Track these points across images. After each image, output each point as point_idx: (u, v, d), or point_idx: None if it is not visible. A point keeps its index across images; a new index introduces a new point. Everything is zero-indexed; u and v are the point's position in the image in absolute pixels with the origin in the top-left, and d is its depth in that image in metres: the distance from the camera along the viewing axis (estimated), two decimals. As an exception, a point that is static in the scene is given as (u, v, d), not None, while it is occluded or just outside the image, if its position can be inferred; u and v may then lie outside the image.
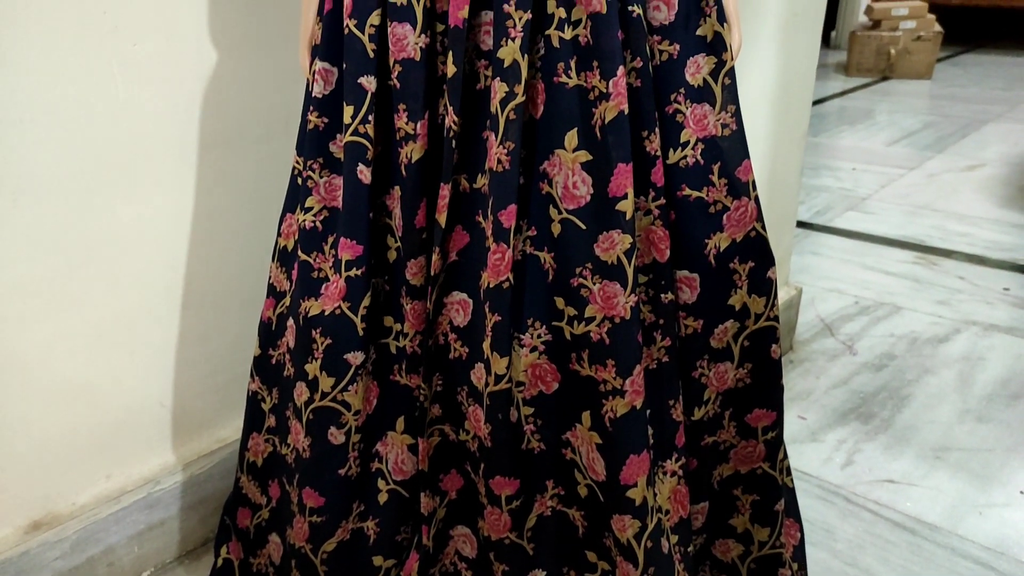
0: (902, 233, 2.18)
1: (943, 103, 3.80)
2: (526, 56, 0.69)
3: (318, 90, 0.79)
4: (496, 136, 0.71)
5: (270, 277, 0.90)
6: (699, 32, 0.76)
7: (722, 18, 0.75)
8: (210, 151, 1.00)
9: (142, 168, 0.94)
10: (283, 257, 0.88)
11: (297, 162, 0.84)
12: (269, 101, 1.04)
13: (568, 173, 0.73)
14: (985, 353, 1.54)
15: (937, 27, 4.39)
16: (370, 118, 0.75)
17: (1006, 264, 1.95)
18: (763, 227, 0.81)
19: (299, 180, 0.84)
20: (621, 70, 0.70)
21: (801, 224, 2.23)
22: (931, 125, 3.37)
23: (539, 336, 0.76)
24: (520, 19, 0.69)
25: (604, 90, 0.70)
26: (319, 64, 0.78)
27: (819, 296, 1.80)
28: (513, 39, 0.69)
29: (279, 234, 0.88)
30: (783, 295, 1.51)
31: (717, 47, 0.76)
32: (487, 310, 0.75)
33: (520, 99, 0.70)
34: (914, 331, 1.63)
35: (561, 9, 0.71)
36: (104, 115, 0.89)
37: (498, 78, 0.70)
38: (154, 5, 0.90)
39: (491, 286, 0.74)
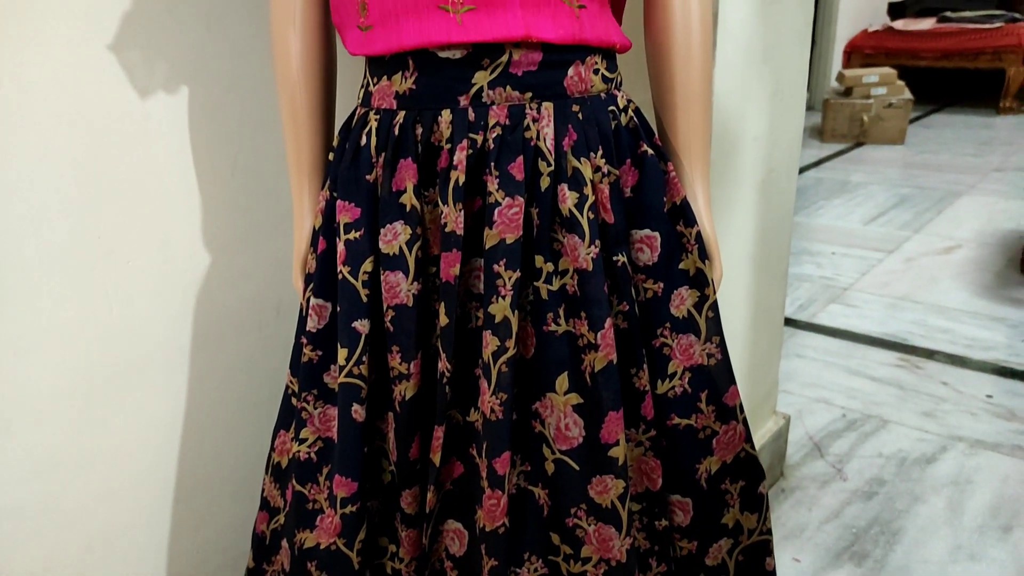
0: (885, 330, 2.21)
1: (917, 172, 3.89)
2: (516, 312, 0.71)
3: (312, 324, 0.80)
4: (488, 385, 0.72)
5: (263, 490, 0.90)
6: (682, 266, 0.78)
7: (703, 255, 0.78)
8: (203, 347, 1.01)
9: (135, 378, 0.95)
10: (277, 472, 0.88)
11: (291, 382, 0.85)
12: (261, 292, 1.05)
13: (560, 415, 0.74)
14: (973, 475, 1.55)
15: (907, 94, 4.52)
16: (364, 359, 0.76)
17: (988, 366, 1.99)
18: (752, 447, 0.82)
19: (293, 401, 0.85)
20: (609, 321, 0.72)
21: (786, 321, 2.26)
22: (906, 199, 3.45)
23: (536, 570, 0.77)
24: (510, 278, 0.70)
25: (593, 340, 0.72)
26: (313, 300, 0.80)
27: (807, 409, 1.82)
28: (503, 296, 0.71)
29: (272, 448, 0.89)
30: (771, 425, 1.52)
31: (700, 282, 0.78)
32: (484, 552, 0.76)
33: (511, 352, 0.71)
34: (902, 450, 1.65)
35: (549, 264, 0.73)
36: (97, 335, 0.90)
37: (490, 331, 0.72)
38: (148, 223, 0.92)
39: (487, 529, 0.75)
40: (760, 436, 1.48)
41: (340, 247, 0.76)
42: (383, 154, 0.74)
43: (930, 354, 2.07)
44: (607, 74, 0.76)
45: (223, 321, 1.02)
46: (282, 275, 1.07)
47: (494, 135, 0.70)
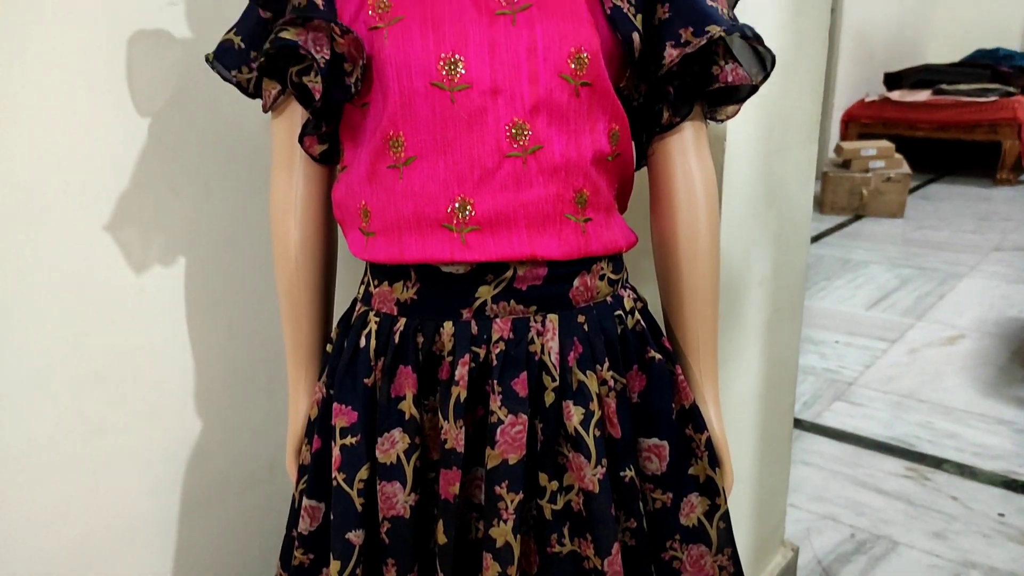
0: (891, 434, 2.17)
1: (917, 251, 3.89)
2: (519, 537, 0.68)
3: (304, 526, 0.77)
4: None
5: None
6: (691, 472, 0.75)
7: (713, 462, 0.75)
8: (193, 511, 0.97)
9: (123, 551, 0.91)
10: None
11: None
12: (253, 450, 1.02)
13: (565, 637, 0.70)
14: (988, 610, 1.50)
15: (906, 168, 4.55)
16: (358, 572, 0.73)
17: (997, 479, 1.94)
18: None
19: None
20: (616, 546, 0.68)
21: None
22: (908, 281, 3.44)
23: None
24: (512, 501, 0.67)
25: (600, 567, 0.68)
26: (306, 500, 0.77)
27: (814, 527, 1.77)
28: (505, 520, 0.68)
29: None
30: (779, 559, 1.47)
31: (710, 490, 0.75)
32: None
33: (513, 577, 0.68)
34: (913, 578, 1.60)
35: (554, 482, 0.70)
36: (82, 512, 0.87)
37: (490, 554, 0.68)
38: (138, 398, 0.89)
39: None
40: (769, 572, 1.43)
41: (335, 452, 0.73)
42: (382, 358, 0.72)
43: (938, 463, 2.03)
44: (613, 276, 0.74)
45: (214, 483, 0.99)
46: (275, 432, 1.04)
47: (497, 350, 0.68)
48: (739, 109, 0.75)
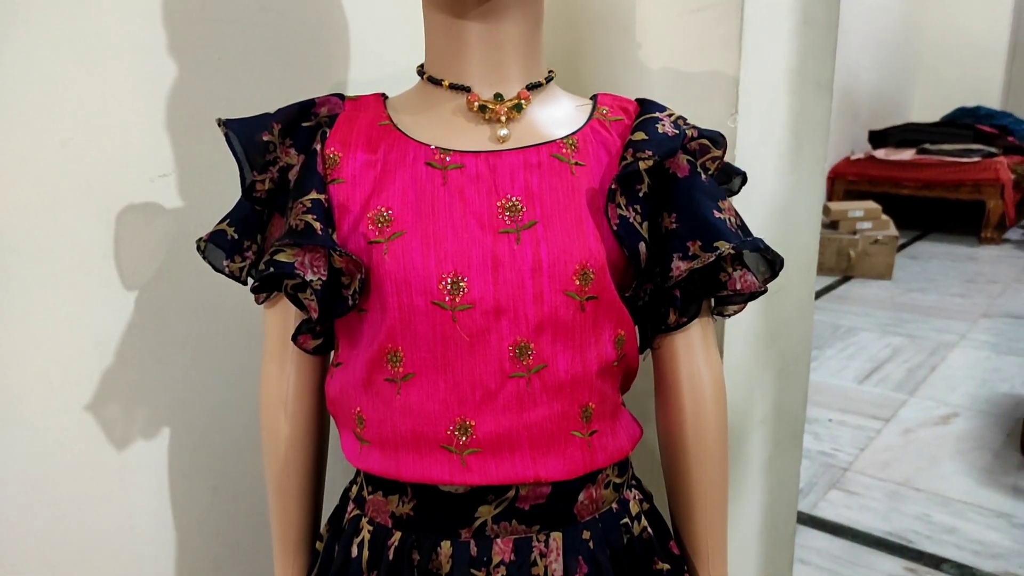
0: (889, 528, 2.14)
1: (906, 316, 3.90)
2: None
3: None
4: None
5: None
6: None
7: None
8: None
9: None
10: None
11: None
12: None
13: None
14: None
15: (893, 229, 4.59)
16: None
17: (998, 582, 1.91)
18: None
19: None
20: None
21: (786, 514, 2.18)
22: (898, 352, 3.43)
23: None
24: None
25: None
26: None
27: (814, 639, 1.73)
28: None
29: None
30: None
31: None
32: None
33: None
34: None
35: None
36: None
37: None
38: (119, 556, 0.85)
39: None
40: None
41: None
42: (375, 572, 0.68)
43: (937, 563, 1.99)
44: (618, 480, 0.71)
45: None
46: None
47: (498, 574, 0.65)
48: (745, 307, 0.73)
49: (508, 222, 0.63)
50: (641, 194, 0.67)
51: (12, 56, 0.71)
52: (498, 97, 0.67)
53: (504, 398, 0.63)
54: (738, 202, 0.74)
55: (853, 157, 5.64)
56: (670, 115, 0.70)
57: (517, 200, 0.63)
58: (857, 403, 2.94)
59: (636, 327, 0.73)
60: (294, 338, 0.71)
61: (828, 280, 4.55)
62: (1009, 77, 6.37)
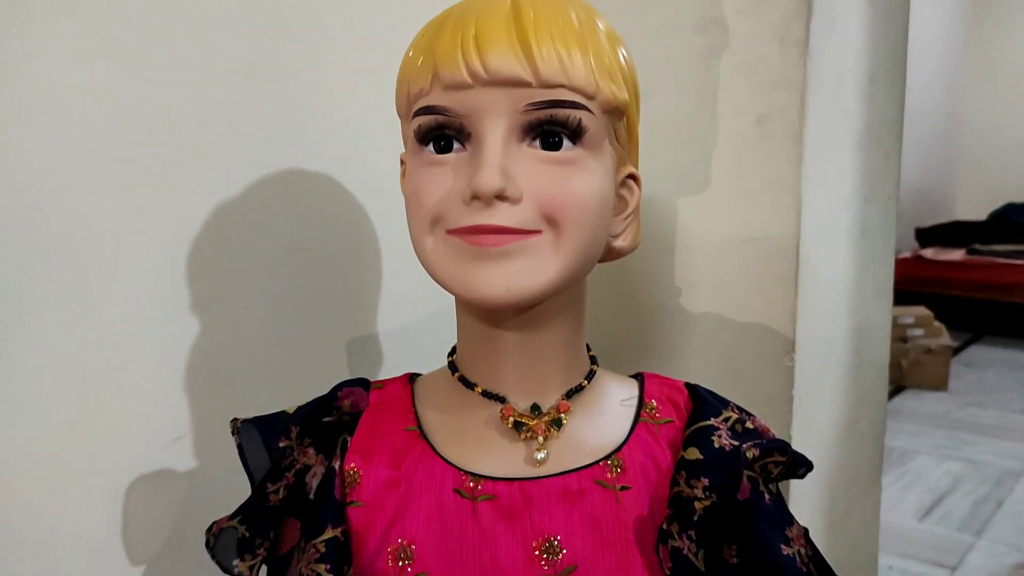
0: None
1: (966, 437, 3.69)
2: None
3: None
4: None
5: None
6: None
7: None
8: None
9: None
10: None
11: None
12: None
13: None
14: None
15: (946, 338, 4.41)
16: None
17: None
18: None
19: None
20: None
21: None
22: (960, 481, 3.22)
23: None
24: None
25: None
26: None
27: None
28: None
29: None
30: None
31: None
32: None
33: None
34: None
35: None
36: None
37: None
38: None
39: None
40: None
41: None
42: None
43: None
44: None
45: None
46: None
47: None
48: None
49: (545, 567, 0.56)
50: (696, 517, 0.59)
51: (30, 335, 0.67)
52: (535, 409, 0.61)
53: None
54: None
55: (900, 256, 5.50)
56: (727, 419, 0.63)
57: (555, 540, 0.57)
58: (919, 546, 2.74)
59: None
60: None
61: (879, 390, 4.36)
62: (1058, 172, 6.23)
